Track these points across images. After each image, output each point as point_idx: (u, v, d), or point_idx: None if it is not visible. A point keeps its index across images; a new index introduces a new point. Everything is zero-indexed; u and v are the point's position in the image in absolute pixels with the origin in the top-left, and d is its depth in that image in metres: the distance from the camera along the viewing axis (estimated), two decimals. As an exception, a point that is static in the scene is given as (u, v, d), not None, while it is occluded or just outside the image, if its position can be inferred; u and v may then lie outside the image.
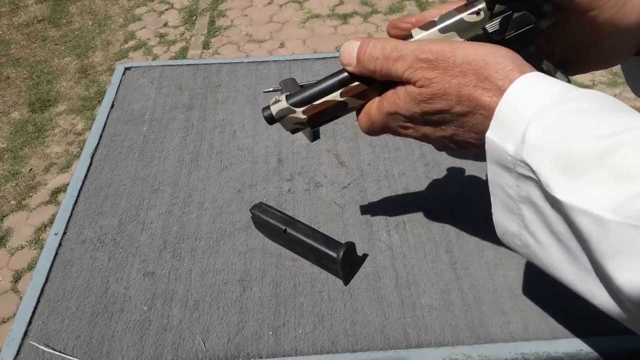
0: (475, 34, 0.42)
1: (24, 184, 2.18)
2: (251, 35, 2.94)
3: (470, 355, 0.55)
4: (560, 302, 0.59)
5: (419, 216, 0.70)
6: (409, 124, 0.43)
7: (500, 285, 0.62)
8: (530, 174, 0.33)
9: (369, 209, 0.71)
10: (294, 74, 0.95)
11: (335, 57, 0.98)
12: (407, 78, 0.40)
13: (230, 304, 0.61)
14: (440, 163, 0.77)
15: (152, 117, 0.88)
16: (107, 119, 0.88)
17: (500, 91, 0.36)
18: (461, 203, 0.71)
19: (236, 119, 0.87)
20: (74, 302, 0.62)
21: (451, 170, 0.76)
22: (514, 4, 0.41)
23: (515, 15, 0.41)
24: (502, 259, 0.64)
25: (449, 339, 0.57)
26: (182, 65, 0.99)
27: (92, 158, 0.81)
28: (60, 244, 0.69)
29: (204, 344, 0.58)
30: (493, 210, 0.39)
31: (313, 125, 0.49)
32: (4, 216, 2.05)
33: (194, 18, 3.14)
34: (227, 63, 0.99)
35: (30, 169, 2.25)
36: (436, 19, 0.42)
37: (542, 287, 0.61)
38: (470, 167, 0.75)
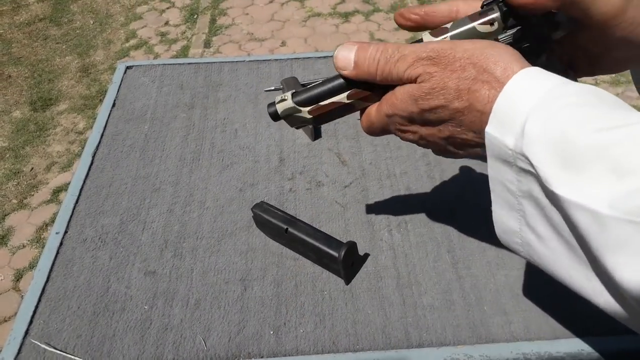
0: None
1: (25, 182, 2.18)
2: (252, 33, 2.94)
3: (471, 355, 0.55)
4: (562, 302, 0.59)
5: (420, 215, 0.70)
6: (406, 126, 0.43)
7: (502, 285, 0.62)
8: (530, 168, 0.33)
9: (371, 209, 0.71)
10: (295, 73, 0.95)
11: (336, 56, 0.98)
12: (407, 76, 0.40)
13: (232, 303, 0.61)
14: (442, 162, 0.77)
15: (153, 116, 0.88)
16: (108, 117, 0.88)
17: (499, 83, 0.36)
18: (463, 202, 0.71)
19: (237, 118, 0.87)
20: (75, 301, 0.62)
21: (453, 170, 0.75)
22: (531, 19, 0.40)
23: (529, 29, 0.41)
24: (504, 259, 0.64)
25: (450, 339, 0.57)
26: (183, 64, 0.99)
27: (93, 157, 0.81)
28: (61, 243, 0.69)
29: (205, 343, 0.58)
30: (493, 207, 0.39)
31: (318, 123, 0.49)
32: (5, 215, 2.05)
33: (195, 17, 3.14)
34: (229, 62, 0.99)
35: (32, 168, 2.25)
36: (448, 26, 0.42)
37: (543, 287, 0.60)
38: (472, 167, 0.75)
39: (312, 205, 0.72)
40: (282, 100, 0.48)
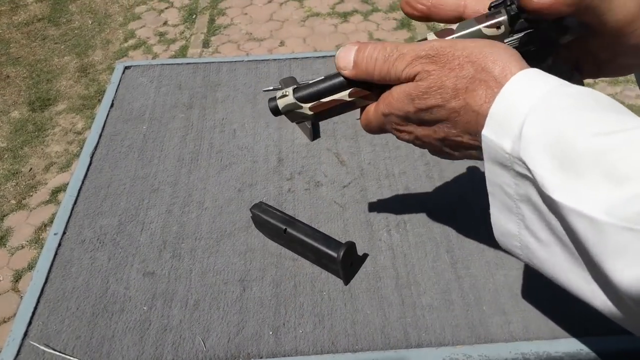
0: None
1: (24, 183, 2.18)
2: (251, 33, 2.93)
3: (470, 355, 0.55)
4: (561, 302, 0.59)
5: (419, 215, 0.70)
6: (402, 126, 0.43)
7: (501, 284, 0.62)
8: (528, 173, 0.33)
9: (370, 209, 0.71)
10: (293, 73, 0.95)
11: (334, 55, 0.98)
12: (406, 75, 0.40)
13: (231, 304, 0.61)
14: (440, 162, 0.77)
15: (151, 116, 0.88)
16: (106, 118, 0.88)
17: (497, 83, 0.36)
18: (462, 202, 0.71)
19: (236, 118, 0.87)
20: (74, 302, 0.62)
21: (452, 170, 0.75)
22: (541, 24, 0.39)
23: (537, 33, 0.40)
24: (503, 259, 0.64)
25: (449, 339, 0.57)
26: (181, 64, 0.99)
27: (91, 157, 0.81)
28: (59, 244, 0.69)
29: (204, 344, 0.58)
30: (491, 210, 0.39)
31: (318, 119, 0.49)
32: (4, 216, 2.05)
33: (193, 17, 3.14)
34: (227, 62, 0.99)
35: (30, 169, 2.25)
36: (454, 28, 0.42)
37: (542, 287, 0.60)
38: (471, 166, 0.75)
39: (310, 205, 0.72)
40: (284, 95, 0.48)
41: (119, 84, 0.95)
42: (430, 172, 0.75)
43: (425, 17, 0.46)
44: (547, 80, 0.35)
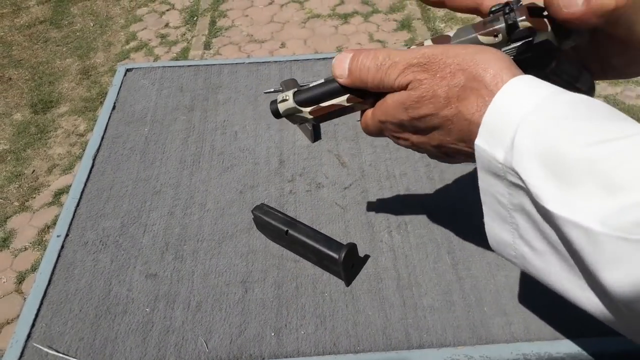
0: None
1: (27, 185, 2.19)
2: (252, 35, 2.94)
3: (471, 356, 0.55)
4: (562, 303, 0.58)
5: (420, 217, 0.70)
6: (398, 133, 0.43)
7: (502, 285, 0.62)
8: (521, 183, 0.32)
9: (371, 210, 0.71)
10: (294, 75, 0.95)
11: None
12: (398, 84, 0.40)
13: (233, 305, 0.62)
14: (441, 164, 0.77)
15: (153, 119, 0.88)
16: (108, 120, 0.88)
17: (489, 91, 0.35)
18: (463, 203, 0.71)
19: (237, 120, 0.87)
20: (76, 304, 0.63)
21: (452, 171, 0.76)
22: (539, 34, 0.39)
23: (536, 41, 0.39)
24: (504, 260, 0.64)
25: (450, 340, 0.57)
26: (183, 66, 1.00)
27: (94, 160, 0.81)
28: (62, 246, 0.69)
29: (206, 345, 0.58)
30: (485, 219, 0.39)
31: (318, 122, 0.50)
32: (7, 218, 2.05)
33: (195, 19, 3.14)
34: (228, 64, 0.99)
35: (33, 171, 2.25)
36: (451, 35, 0.41)
37: (543, 288, 0.60)
38: (472, 168, 0.75)
39: (312, 207, 0.73)
40: (284, 100, 0.49)
41: (120, 87, 0.95)
42: (431, 174, 0.76)
43: (439, 4, 0.45)
44: (540, 88, 0.34)
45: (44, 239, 1.96)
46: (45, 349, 0.58)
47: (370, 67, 0.41)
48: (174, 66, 1.00)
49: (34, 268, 1.85)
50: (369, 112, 0.45)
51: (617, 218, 0.27)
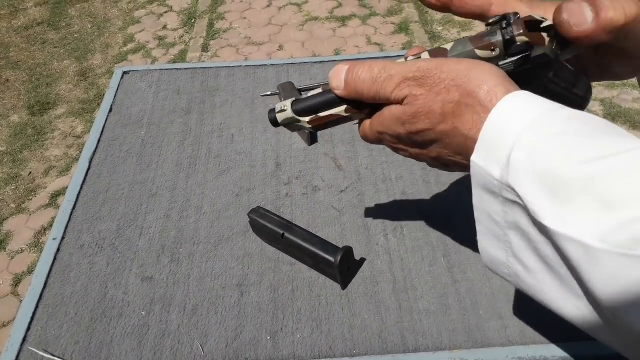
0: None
1: (23, 187, 2.18)
2: (250, 38, 2.94)
3: (467, 360, 0.55)
4: (557, 305, 0.59)
5: (416, 220, 0.70)
6: (396, 145, 0.44)
7: (498, 289, 0.62)
8: (517, 199, 0.32)
9: (367, 213, 0.72)
10: (291, 78, 0.95)
11: (332, 60, 0.98)
12: (395, 97, 0.40)
13: (229, 308, 0.62)
14: (437, 167, 0.77)
15: (150, 121, 0.88)
16: (105, 123, 0.88)
17: (484, 108, 0.35)
18: (459, 207, 0.71)
19: (234, 123, 0.87)
20: (72, 308, 0.62)
21: (448, 174, 0.76)
22: (536, 49, 0.38)
23: (534, 55, 0.38)
24: (500, 263, 0.64)
25: (446, 343, 0.57)
26: (180, 69, 1.00)
27: (90, 162, 0.81)
28: (58, 249, 0.69)
29: (202, 349, 0.58)
30: (479, 237, 0.39)
31: (317, 130, 0.50)
32: (3, 220, 2.05)
33: (193, 21, 3.14)
34: (225, 67, 0.99)
35: (30, 172, 2.25)
36: (448, 48, 0.41)
37: (539, 290, 0.61)
38: (468, 172, 0.75)
39: (308, 210, 0.73)
40: (282, 110, 0.49)
41: (117, 89, 0.95)
42: (427, 177, 0.76)
43: (445, 9, 0.45)
44: (535, 104, 0.34)
45: (40, 241, 1.95)
46: (41, 353, 0.58)
47: (366, 79, 0.41)
48: (171, 69, 1.00)
49: (31, 270, 1.85)
50: (367, 122, 0.45)
51: (616, 234, 0.27)
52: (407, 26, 2.93)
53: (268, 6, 3.20)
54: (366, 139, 0.46)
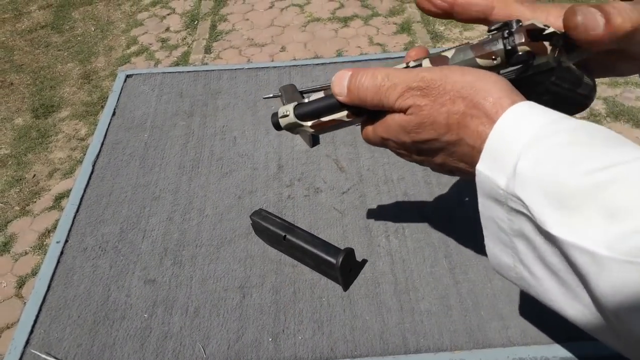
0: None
1: (27, 189, 2.19)
2: (252, 39, 2.95)
3: (468, 361, 0.55)
4: (559, 306, 0.59)
5: (418, 221, 0.70)
6: (401, 151, 0.44)
7: (499, 290, 0.62)
8: (523, 209, 0.33)
9: (368, 215, 0.72)
10: (293, 80, 0.95)
11: (334, 62, 0.99)
12: (398, 106, 0.40)
13: (230, 310, 0.62)
14: (439, 168, 0.77)
15: (153, 124, 0.89)
16: (108, 126, 0.89)
17: (489, 119, 0.36)
18: (460, 208, 0.71)
19: (236, 126, 0.88)
20: (75, 310, 0.63)
21: (450, 176, 0.76)
22: (538, 58, 0.38)
23: (535, 64, 0.38)
24: (501, 264, 0.64)
25: (447, 344, 0.57)
26: (182, 72, 1.00)
27: (93, 166, 0.82)
28: (62, 252, 0.69)
29: (204, 351, 0.58)
30: (486, 242, 0.39)
31: (319, 133, 0.50)
32: (8, 222, 2.06)
33: (195, 23, 3.15)
34: (228, 69, 1.00)
35: (34, 175, 2.26)
36: (449, 56, 0.41)
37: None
38: (472, 177, 0.75)
39: (310, 211, 0.73)
40: (285, 115, 0.49)
41: (120, 93, 0.96)
42: (429, 178, 0.76)
43: (446, 15, 0.45)
44: (540, 115, 0.34)
45: (44, 243, 1.96)
46: (44, 355, 0.58)
47: (369, 87, 0.41)
48: (173, 72, 1.00)
49: (34, 272, 1.86)
50: (370, 126, 0.45)
51: (622, 243, 0.27)
52: (409, 26, 2.93)
53: (270, 7, 3.20)
54: (369, 142, 0.47)
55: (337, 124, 0.47)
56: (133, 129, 0.88)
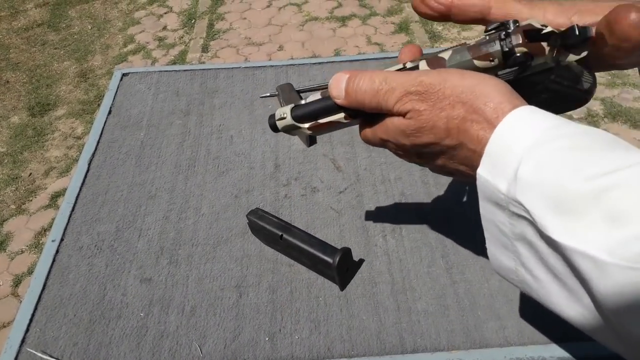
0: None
1: (23, 188, 2.18)
2: (250, 38, 2.94)
3: (465, 361, 0.55)
4: (556, 306, 0.59)
5: (415, 221, 0.70)
6: (400, 152, 0.44)
7: (496, 289, 0.62)
8: (524, 214, 0.33)
9: (365, 214, 0.72)
10: (290, 79, 0.95)
11: (331, 61, 0.99)
12: (397, 110, 0.40)
13: (227, 310, 0.62)
14: (436, 167, 0.77)
15: (149, 123, 0.89)
16: (104, 125, 0.89)
17: (490, 124, 0.35)
18: (457, 208, 0.71)
19: (233, 125, 0.87)
20: (71, 309, 0.63)
21: (449, 177, 0.76)
22: (536, 59, 0.37)
23: (533, 64, 0.38)
24: (498, 264, 0.64)
25: (444, 344, 0.57)
26: (179, 70, 1.00)
27: (89, 164, 0.81)
28: (57, 251, 0.69)
29: (200, 350, 0.58)
30: (487, 245, 0.39)
31: (316, 134, 0.50)
32: (3, 220, 2.05)
33: (192, 21, 3.14)
34: (224, 68, 0.99)
35: (30, 173, 2.25)
36: (446, 57, 0.41)
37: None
38: (472, 180, 0.75)
39: (307, 211, 0.73)
40: (282, 118, 0.49)
41: (116, 91, 0.95)
42: (426, 178, 0.76)
43: (443, 18, 0.44)
44: (541, 120, 0.34)
45: (40, 241, 1.96)
46: (39, 354, 0.58)
47: (367, 90, 0.41)
48: (170, 70, 1.00)
49: (31, 271, 1.85)
50: (369, 128, 0.45)
51: (624, 249, 0.28)
52: (407, 26, 2.93)
53: (268, 6, 3.20)
54: (368, 142, 0.46)
55: (335, 126, 0.47)
56: (129, 127, 0.88)
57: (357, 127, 0.48)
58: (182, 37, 3.02)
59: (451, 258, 0.66)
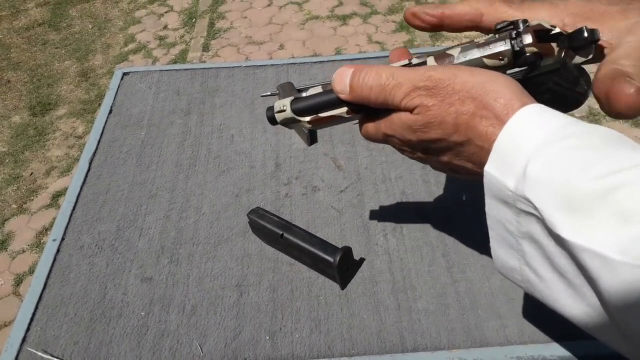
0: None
1: (25, 187, 2.19)
2: (251, 37, 2.94)
3: (466, 359, 0.55)
4: (556, 305, 0.59)
5: (415, 220, 0.70)
6: (405, 147, 0.43)
7: (497, 288, 0.62)
8: (532, 211, 0.33)
9: (366, 213, 0.72)
10: (291, 78, 0.95)
11: (332, 60, 0.98)
12: (404, 106, 0.39)
13: (228, 309, 0.62)
14: (436, 166, 0.77)
15: (150, 122, 0.89)
16: (105, 124, 0.89)
17: (499, 121, 0.35)
18: (458, 206, 0.71)
19: (234, 124, 0.87)
20: (72, 308, 0.63)
21: (451, 175, 0.76)
22: (545, 59, 0.37)
23: (542, 65, 0.38)
24: (499, 262, 0.64)
25: (445, 343, 0.57)
26: (180, 70, 1.00)
27: (90, 164, 0.81)
28: (58, 250, 0.69)
29: (201, 349, 0.58)
30: (491, 244, 0.39)
31: (316, 129, 0.49)
32: (5, 220, 2.05)
33: (193, 20, 3.14)
34: (225, 67, 0.99)
35: (31, 173, 2.25)
36: (454, 54, 0.40)
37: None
38: (477, 178, 0.75)
39: (307, 210, 0.73)
40: (281, 110, 0.48)
41: (117, 90, 0.95)
42: (427, 177, 0.76)
43: (436, 29, 0.44)
44: (551, 118, 0.34)
45: (41, 241, 1.96)
46: (40, 353, 0.58)
47: (373, 85, 0.40)
48: (170, 70, 1.00)
49: (32, 270, 1.85)
50: (371, 123, 0.45)
51: (634, 247, 0.27)
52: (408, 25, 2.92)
53: (269, 5, 3.20)
54: (369, 138, 0.46)
55: (336, 120, 0.47)
56: (130, 126, 0.88)
57: (357, 125, 0.48)
58: (182, 36, 3.03)
59: (452, 257, 0.65)
